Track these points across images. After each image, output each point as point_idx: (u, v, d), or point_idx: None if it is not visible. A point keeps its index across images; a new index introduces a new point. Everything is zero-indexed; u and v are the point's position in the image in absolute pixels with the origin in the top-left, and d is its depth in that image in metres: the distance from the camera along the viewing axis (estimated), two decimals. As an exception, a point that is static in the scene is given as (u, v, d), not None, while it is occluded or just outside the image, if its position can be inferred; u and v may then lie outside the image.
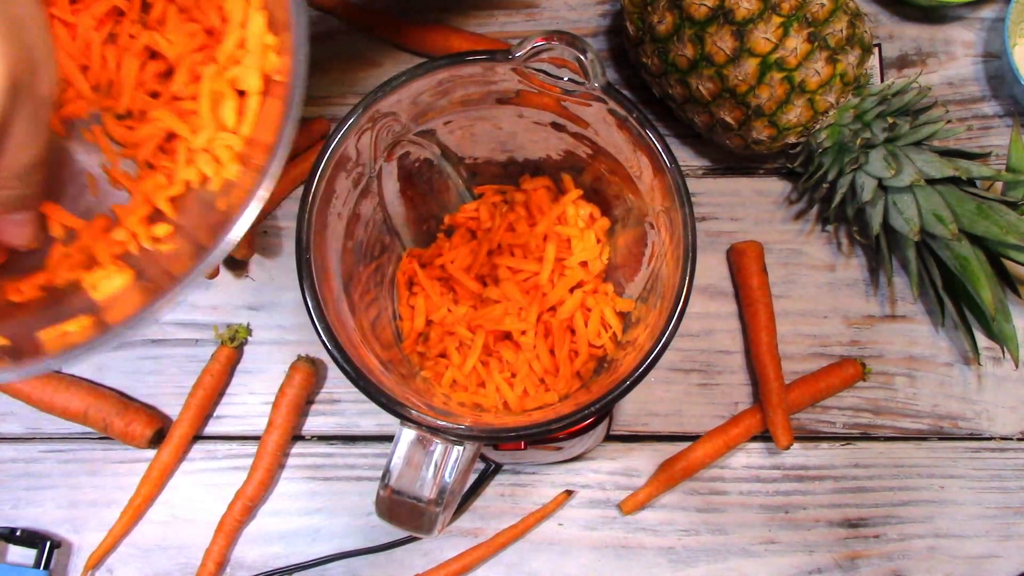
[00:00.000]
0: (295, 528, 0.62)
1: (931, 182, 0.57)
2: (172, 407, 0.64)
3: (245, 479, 0.62)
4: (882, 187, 0.59)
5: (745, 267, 0.63)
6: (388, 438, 0.63)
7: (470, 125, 0.52)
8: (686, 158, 0.66)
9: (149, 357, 0.64)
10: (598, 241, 0.56)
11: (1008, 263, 0.59)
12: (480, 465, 0.62)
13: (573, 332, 0.55)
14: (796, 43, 0.56)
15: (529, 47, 0.42)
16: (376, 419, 0.63)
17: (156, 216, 0.43)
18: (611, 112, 0.46)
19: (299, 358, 0.63)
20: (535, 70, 0.44)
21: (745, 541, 0.61)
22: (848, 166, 0.59)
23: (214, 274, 0.64)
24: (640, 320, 0.52)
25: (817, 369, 0.63)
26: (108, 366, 0.64)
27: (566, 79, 0.44)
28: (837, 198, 0.60)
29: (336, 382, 0.64)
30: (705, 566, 0.61)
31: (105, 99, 0.44)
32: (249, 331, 0.64)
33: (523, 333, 0.54)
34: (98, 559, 0.61)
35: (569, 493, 0.62)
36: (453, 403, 0.54)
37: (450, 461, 0.42)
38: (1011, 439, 0.63)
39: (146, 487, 0.62)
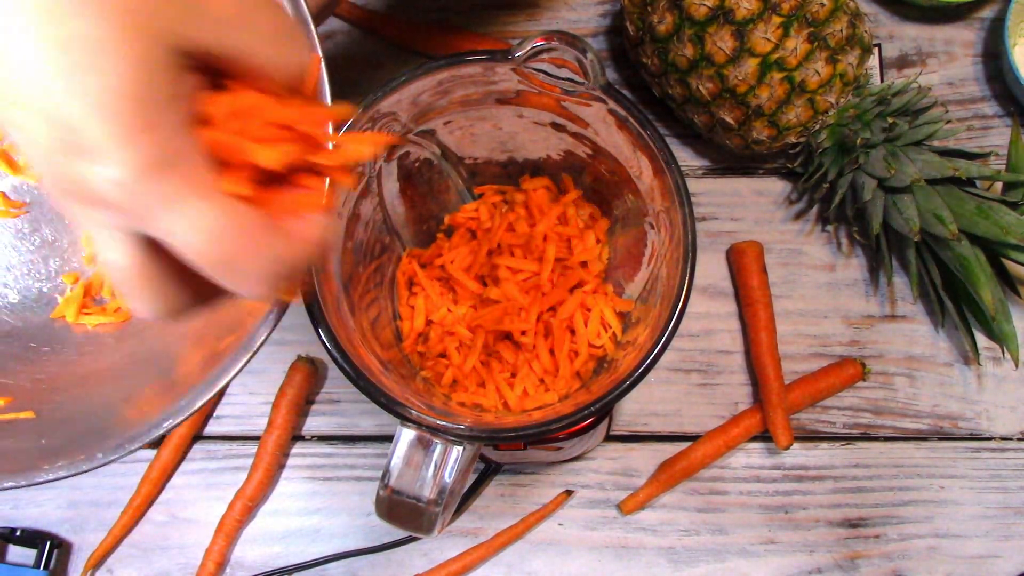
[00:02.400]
0: (295, 528, 0.62)
1: (931, 182, 0.57)
2: (172, 407, 0.64)
3: (245, 479, 0.61)
4: (882, 187, 0.59)
5: (745, 267, 0.63)
6: (388, 438, 0.63)
7: (470, 125, 0.52)
8: (686, 158, 0.66)
9: (149, 357, 0.64)
10: (598, 241, 0.56)
11: (1008, 263, 0.59)
12: (480, 465, 0.62)
13: (573, 332, 0.55)
14: (796, 43, 0.56)
15: (529, 47, 0.42)
16: (376, 419, 0.63)
17: None
18: (611, 112, 0.46)
19: (299, 358, 0.63)
20: (535, 70, 0.44)
21: (745, 541, 0.61)
22: (848, 166, 0.59)
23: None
24: (640, 320, 0.52)
25: (817, 369, 0.63)
26: (108, 366, 0.64)
27: (566, 79, 0.44)
28: (837, 198, 0.60)
29: (336, 382, 0.64)
30: (705, 566, 0.61)
31: None
32: (249, 331, 0.64)
33: (523, 333, 0.54)
34: (98, 559, 0.61)
35: (569, 493, 0.62)
36: (453, 403, 0.54)
37: (450, 461, 0.42)
38: (1011, 439, 0.63)
39: (146, 487, 0.62)
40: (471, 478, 0.60)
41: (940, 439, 0.63)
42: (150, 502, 0.62)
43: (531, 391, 0.54)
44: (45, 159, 0.26)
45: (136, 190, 0.26)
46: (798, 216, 0.65)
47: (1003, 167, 0.61)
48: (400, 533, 0.61)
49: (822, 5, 0.56)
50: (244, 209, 0.28)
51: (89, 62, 0.25)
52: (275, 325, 0.36)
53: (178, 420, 0.36)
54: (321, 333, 0.42)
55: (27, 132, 0.26)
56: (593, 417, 0.43)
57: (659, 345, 0.42)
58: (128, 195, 0.26)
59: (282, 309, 0.36)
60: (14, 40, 0.25)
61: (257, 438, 0.63)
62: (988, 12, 0.68)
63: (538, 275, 0.55)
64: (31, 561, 0.61)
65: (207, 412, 0.63)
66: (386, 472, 0.42)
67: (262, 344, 0.36)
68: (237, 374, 0.36)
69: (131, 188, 0.26)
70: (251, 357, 0.36)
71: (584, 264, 0.55)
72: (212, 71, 0.28)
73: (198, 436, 0.63)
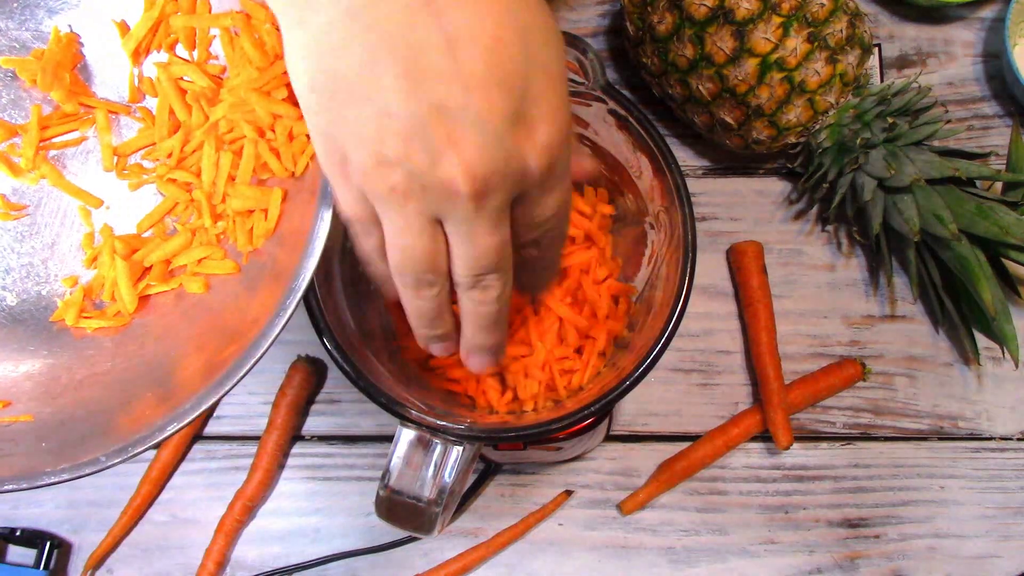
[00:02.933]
0: (295, 528, 0.62)
1: (931, 182, 0.57)
2: (172, 407, 0.64)
3: (245, 479, 0.61)
4: (882, 187, 0.59)
5: (745, 267, 0.63)
6: (388, 438, 0.63)
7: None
8: (686, 158, 0.66)
9: (149, 357, 0.64)
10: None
11: (1008, 263, 0.59)
12: (480, 465, 0.62)
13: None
14: (796, 43, 0.56)
15: (529, 47, 0.42)
16: (376, 419, 0.63)
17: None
18: (611, 112, 0.46)
19: (299, 358, 0.63)
20: (535, 70, 0.44)
21: (745, 541, 0.61)
22: (848, 166, 0.59)
23: None
24: (640, 320, 0.52)
25: (817, 369, 0.63)
26: (108, 366, 0.64)
27: (566, 79, 0.44)
28: (837, 198, 0.60)
29: (336, 382, 0.64)
30: (705, 566, 0.61)
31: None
32: (249, 331, 0.64)
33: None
34: (98, 559, 0.61)
35: (569, 493, 0.62)
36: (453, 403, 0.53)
37: (450, 461, 0.42)
38: (1011, 439, 0.63)
39: (146, 487, 0.62)
40: (471, 478, 0.60)
41: (940, 439, 0.63)
42: (150, 502, 0.62)
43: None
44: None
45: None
46: (798, 216, 0.65)
47: (1003, 167, 0.61)
48: (400, 533, 0.61)
49: (822, 5, 0.56)
50: None
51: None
52: (278, 334, 0.36)
53: (180, 425, 0.36)
54: (321, 333, 0.43)
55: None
56: (593, 417, 0.43)
57: (659, 345, 0.42)
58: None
59: (286, 319, 0.36)
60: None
61: (257, 438, 0.63)
62: (988, 12, 0.68)
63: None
64: (31, 561, 0.61)
65: (207, 413, 0.63)
66: (386, 472, 0.42)
67: (264, 353, 0.36)
68: (238, 383, 0.36)
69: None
70: (253, 365, 0.36)
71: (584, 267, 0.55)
72: None
73: (198, 436, 0.63)
